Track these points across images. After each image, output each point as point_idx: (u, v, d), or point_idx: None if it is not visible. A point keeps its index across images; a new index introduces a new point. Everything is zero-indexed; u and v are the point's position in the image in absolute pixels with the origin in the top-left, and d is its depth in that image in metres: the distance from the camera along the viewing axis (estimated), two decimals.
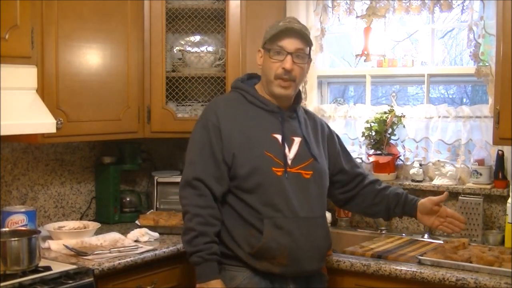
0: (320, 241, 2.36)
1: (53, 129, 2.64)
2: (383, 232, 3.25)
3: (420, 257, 2.59)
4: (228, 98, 2.44)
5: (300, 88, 3.58)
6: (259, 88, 2.40)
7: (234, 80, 2.50)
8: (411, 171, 3.26)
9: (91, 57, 2.97)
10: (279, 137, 2.32)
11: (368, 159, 3.41)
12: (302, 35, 2.31)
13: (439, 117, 3.25)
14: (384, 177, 3.28)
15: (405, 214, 2.58)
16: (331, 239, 2.47)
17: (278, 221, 2.24)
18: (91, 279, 2.45)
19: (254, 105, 2.35)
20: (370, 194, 2.58)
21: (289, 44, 2.29)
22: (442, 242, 2.89)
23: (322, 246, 2.39)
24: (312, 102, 3.67)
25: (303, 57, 2.33)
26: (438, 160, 3.22)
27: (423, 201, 2.52)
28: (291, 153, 2.33)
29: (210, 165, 2.26)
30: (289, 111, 2.41)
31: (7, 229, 2.68)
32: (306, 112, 2.56)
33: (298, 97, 2.47)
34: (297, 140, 2.37)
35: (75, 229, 2.97)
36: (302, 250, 2.29)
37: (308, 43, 2.35)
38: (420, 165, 3.26)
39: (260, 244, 2.22)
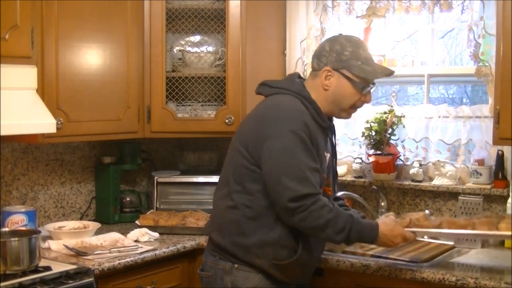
0: (320, 254, 2.52)
1: (53, 129, 2.64)
2: None
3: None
4: (301, 108, 2.27)
5: None
6: (315, 98, 2.31)
7: (289, 80, 2.39)
8: (411, 171, 3.26)
9: (91, 57, 2.97)
10: (328, 155, 2.35)
11: (368, 159, 3.41)
12: (390, 74, 2.41)
13: (439, 117, 3.25)
14: (384, 177, 3.28)
15: None
16: None
17: (310, 241, 2.30)
18: (91, 279, 2.45)
19: (313, 118, 2.27)
20: None
21: (373, 80, 2.36)
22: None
23: (319, 260, 2.55)
24: None
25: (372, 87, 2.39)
26: (438, 160, 3.22)
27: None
28: (330, 172, 2.40)
29: (317, 177, 2.21)
30: (332, 127, 2.45)
31: (7, 229, 2.69)
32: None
33: None
34: (328, 156, 2.38)
35: (75, 229, 2.97)
36: (314, 262, 2.43)
37: None
38: (420, 165, 3.26)
39: (291, 260, 2.25)
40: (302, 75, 3.59)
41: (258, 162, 2.21)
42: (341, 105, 2.32)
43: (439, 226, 2.44)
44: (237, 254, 2.26)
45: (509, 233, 2.33)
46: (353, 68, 2.27)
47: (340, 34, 2.46)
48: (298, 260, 2.26)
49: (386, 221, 2.34)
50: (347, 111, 2.36)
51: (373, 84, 2.36)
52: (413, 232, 2.40)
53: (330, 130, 2.39)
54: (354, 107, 2.36)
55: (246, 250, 2.25)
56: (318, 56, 2.32)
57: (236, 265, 2.26)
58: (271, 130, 2.19)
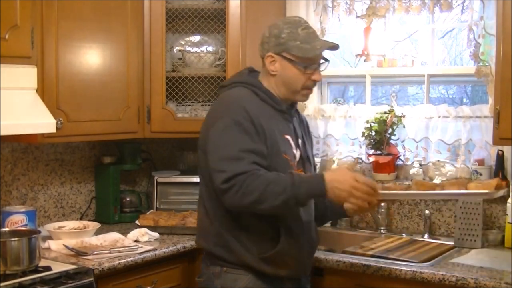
0: (316, 243, 2.42)
1: (53, 129, 2.64)
2: (383, 232, 3.25)
3: None
4: (245, 95, 2.26)
5: None
6: (267, 85, 2.31)
7: (235, 74, 2.42)
8: (411, 171, 3.26)
9: (91, 57, 2.97)
10: (289, 138, 2.29)
11: (368, 159, 3.41)
12: (333, 48, 2.31)
13: (439, 117, 3.25)
14: (384, 177, 3.28)
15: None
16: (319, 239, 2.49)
17: (290, 226, 2.23)
18: (91, 279, 2.45)
19: (266, 103, 2.27)
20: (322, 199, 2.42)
21: (319, 57, 2.29)
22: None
23: (315, 248, 2.44)
24: (312, 102, 3.67)
25: (322, 63, 2.33)
26: (438, 160, 3.22)
27: None
28: (298, 155, 2.31)
29: (255, 157, 2.11)
30: (294, 111, 2.39)
31: (7, 229, 2.69)
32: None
33: None
34: (300, 142, 2.36)
35: (75, 229, 2.97)
36: (305, 253, 2.32)
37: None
38: (420, 165, 3.26)
39: (275, 250, 2.20)
40: None
41: None
42: (292, 88, 2.28)
43: (408, 188, 2.33)
44: (224, 257, 2.23)
45: (478, 191, 2.22)
46: (292, 49, 2.24)
47: (282, 19, 2.39)
48: (283, 249, 2.20)
49: (332, 169, 2.23)
50: (300, 93, 2.30)
51: (325, 60, 2.30)
52: (383, 194, 2.22)
53: (290, 114, 2.33)
54: (306, 88, 2.29)
55: (230, 251, 2.22)
56: (261, 43, 2.31)
57: (225, 268, 2.24)
58: (210, 123, 2.20)
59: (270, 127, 2.21)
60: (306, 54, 2.23)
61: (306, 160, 2.36)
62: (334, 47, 2.31)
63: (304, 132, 2.45)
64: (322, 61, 2.31)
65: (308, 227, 2.33)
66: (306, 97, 2.35)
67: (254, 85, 2.29)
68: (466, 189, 2.23)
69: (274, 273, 2.25)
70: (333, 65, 3.84)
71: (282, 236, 2.20)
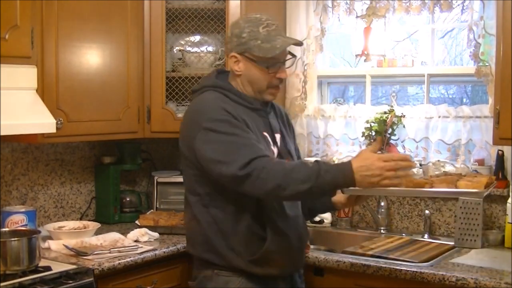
0: (305, 238, 2.35)
1: (53, 129, 2.64)
2: (383, 232, 3.25)
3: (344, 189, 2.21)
4: (216, 97, 2.22)
5: (300, 87, 3.64)
6: (235, 85, 2.28)
7: (205, 77, 2.38)
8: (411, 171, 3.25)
9: (91, 57, 2.97)
10: (266, 135, 2.26)
11: None
12: (296, 44, 2.26)
13: (439, 117, 3.25)
14: None
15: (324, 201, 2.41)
16: (309, 234, 2.43)
17: (277, 224, 2.19)
18: (91, 279, 2.45)
19: (238, 103, 2.23)
20: None
21: (283, 55, 2.25)
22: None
23: (306, 243, 2.38)
24: (312, 102, 3.68)
25: (288, 59, 2.28)
26: (438, 160, 3.22)
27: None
28: (275, 151, 2.27)
29: (260, 145, 2.08)
30: (269, 107, 2.34)
31: (7, 229, 2.69)
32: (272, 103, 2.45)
33: None
34: (278, 137, 2.31)
35: (75, 229, 2.97)
36: (295, 249, 2.27)
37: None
38: (420, 165, 3.26)
39: (264, 249, 2.16)
40: (302, 75, 3.65)
41: (198, 163, 2.15)
42: (257, 87, 2.24)
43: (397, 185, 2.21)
44: (214, 261, 2.21)
45: (467, 189, 2.16)
46: (254, 49, 2.20)
47: (244, 17, 2.36)
48: (271, 248, 2.16)
49: (357, 155, 2.07)
50: (267, 92, 2.25)
51: (292, 55, 2.26)
52: (370, 191, 2.16)
53: (264, 111, 2.29)
54: (272, 87, 2.25)
55: (219, 256, 2.19)
56: (225, 43, 2.30)
57: (216, 271, 2.21)
58: (193, 135, 2.15)
59: (251, 124, 2.18)
60: (267, 54, 2.19)
61: (286, 154, 2.29)
62: (296, 44, 2.26)
63: (284, 125, 2.40)
64: (289, 57, 2.26)
65: (296, 222, 2.27)
66: (273, 96, 2.29)
67: (222, 87, 2.25)
68: (456, 186, 2.18)
69: (266, 273, 2.21)
70: (333, 65, 3.86)
71: (268, 235, 2.16)
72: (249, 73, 2.24)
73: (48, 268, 2.43)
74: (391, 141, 3.36)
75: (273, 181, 1.98)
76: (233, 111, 2.16)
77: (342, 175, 1.97)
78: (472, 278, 2.37)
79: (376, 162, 1.96)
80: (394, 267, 2.55)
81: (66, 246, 2.69)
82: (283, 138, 2.32)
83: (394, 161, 1.97)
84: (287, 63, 2.27)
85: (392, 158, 1.98)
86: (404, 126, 3.34)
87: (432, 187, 2.20)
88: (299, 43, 2.28)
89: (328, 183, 1.97)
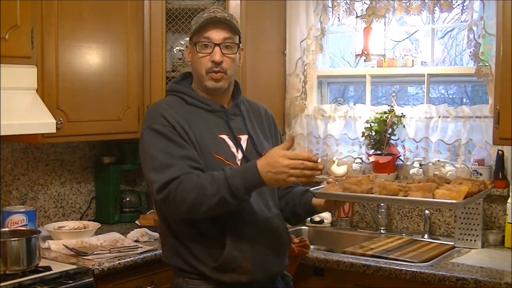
0: (281, 241, 2.25)
1: (53, 129, 2.64)
2: (383, 232, 3.25)
3: (314, 190, 2.22)
4: (168, 102, 2.20)
5: (300, 88, 3.64)
6: (196, 87, 2.25)
7: (169, 83, 2.36)
8: (411, 171, 3.26)
9: (91, 57, 2.97)
10: (225, 137, 2.19)
11: (368, 159, 3.41)
12: (228, 23, 2.19)
13: (439, 117, 3.25)
14: (384, 177, 3.28)
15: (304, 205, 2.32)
16: (290, 237, 2.34)
17: (239, 228, 2.11)
18: (91, 279, 2.45)
19: (195, 106, 2.20)
20: (292, 196, 2.32)
21: (216, 34, 2.18)
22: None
23: (283, 246, 2.28)
24: (312, 102, 3.68)
25: (232, 47, 2.22)
26: (438, 160, 3.22)
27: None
28: (239, 153, 2.19)
29: (187, 162, 2.06)
30: (232, 108, 2.28)
31: (7, 229, 2.69)
32: (249, 103, 2.40)
33: (237, 90, 2.33)
34: (244, 138, 2.23)
35: (75, 229, 2.97)
36: (266, 253, 2.18)
37: (236, 31, 2.25)
38: (420, 165, 3.26)
39: (224, 255, 2.08)
40: (302, 75, 3.65)
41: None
42: (198, 74, 2.20)
43: (369, 191, 2.17)
44: (183, 268, 2.15)
45: (443, 200, 2.04)
46: (190, 32, 2.21)
47: None
48: (232, 252, 2.07)
49: (264, 153, 2.03)
50: (206, 77, 2.18)
51: (207, 38, 2.17)
52: (341, 195, 2.15)
53: (225, 113, 2.23)
54: (209, 71, 2.18)
55: (186, 262, 2.13)
56: None
57: (186, 279, 2.15)
58: (141, 132, 2.20)
59: (196, 130, 2.13)
60: (193, 28, 2.18)
61: (255, 156, 2.14)
62: (220, 19, 2.17)
63: (261, 126, 2.33)
64: (229, 42, 2.20)
65: (268, 224, 2.18)
66: (213, 81, 2.19)
67: (180, 91, 2.23)
68: (433, 195, 2.06)
69: (234, 280, 2.12)
70: (333, 65, 3.86)
71: (227, 239, 2.09)
72: (191, 60, 2.22)
73: (48, 268, 2.43)
74: (391, 141, 3.36)
75: (187, 201, 1.97)
76: (176, 117, 2.13)
77: (249, 175, 1.95)
78: (472, 278, 2.37)
79: (280, 159, 1.92)
80: (394, 267, 2.55)
81: (66, 246, 2.69)
82: (251, 139, 2.24)
83: (300, 160, 1.92)
84: (226, 49, 2.19)
85: (298, 156, 1.93)
86: (404, 126, 3.35)
87: (406, 194, 2.11)
88: (222, 19, 2.18)
89: (238, 187, 1.94)
